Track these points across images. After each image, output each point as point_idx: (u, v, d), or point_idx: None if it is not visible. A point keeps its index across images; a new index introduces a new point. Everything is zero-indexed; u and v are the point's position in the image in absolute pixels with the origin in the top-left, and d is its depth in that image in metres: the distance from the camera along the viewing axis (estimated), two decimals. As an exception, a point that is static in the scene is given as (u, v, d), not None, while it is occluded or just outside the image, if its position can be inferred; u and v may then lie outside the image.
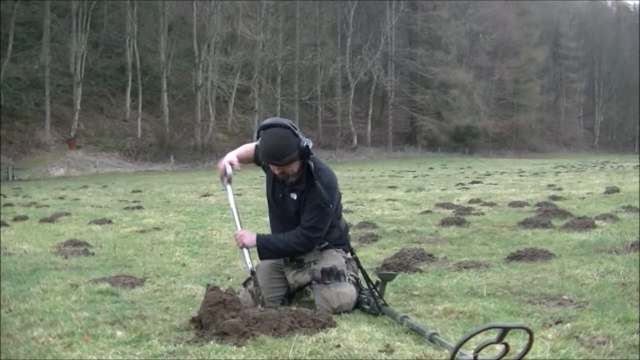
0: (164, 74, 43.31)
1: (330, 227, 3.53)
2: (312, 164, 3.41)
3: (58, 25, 40.78)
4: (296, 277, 3.51)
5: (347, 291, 3.38)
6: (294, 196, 3.48)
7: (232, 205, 3.58)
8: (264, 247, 3.48)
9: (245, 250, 3.47)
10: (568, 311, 3.22)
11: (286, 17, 50.96)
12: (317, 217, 3.42)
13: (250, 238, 3.47)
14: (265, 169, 3.62)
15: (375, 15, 58.89)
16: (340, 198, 3.67)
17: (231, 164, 3.60)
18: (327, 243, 3.55)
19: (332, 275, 3.41)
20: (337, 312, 3.31)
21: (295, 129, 3.31)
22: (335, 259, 3.51)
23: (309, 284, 3.53)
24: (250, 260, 3.42)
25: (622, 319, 2.99)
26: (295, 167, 3.37)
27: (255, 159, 3.71)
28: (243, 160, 3.70)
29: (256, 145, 3.61)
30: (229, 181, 3.56)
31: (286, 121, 3.34)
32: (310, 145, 3.33)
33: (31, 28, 40.11)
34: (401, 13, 56.97)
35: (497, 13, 64.38)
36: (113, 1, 44.02)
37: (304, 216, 3.46)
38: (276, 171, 3.40)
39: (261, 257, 3.56)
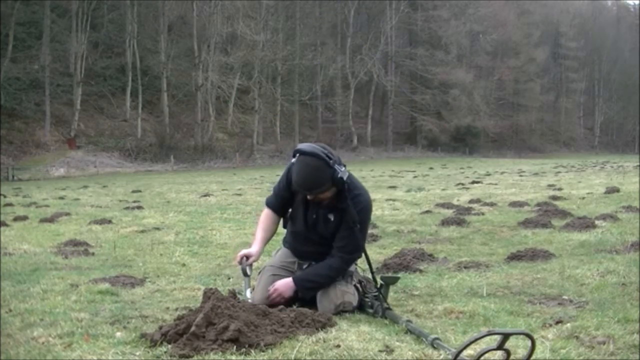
0: (164, 74, 43.31)
1: None
2: (347, 186, 3.33)
3: (58, 25, 40.77)
4: None
5: (351, 291, 3.40)
6: (332, 217, 3.43)
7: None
8: (306, 289, 3.41)
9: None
10: (568, 311, 3.22)
11: (286, 17, 50.91)
12: (354, 237, 3.39)
13: (287, 289, 3.39)
14: (295, 195, 3.55)
15: (375, 15, 58.89)
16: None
17: (247, 258, 3.53)
18: None
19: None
20: (338, 310, 3.31)
21: (330, 158, 3.23)
22: None
23: None
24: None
25: (622, 319, 2.99)
26: (329, 193, 3.33)
27: (284, 221, 3.68)
28: (269, 237, 3.67)
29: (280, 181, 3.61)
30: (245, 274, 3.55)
31: (322, 151, 3.24)
32: (346, 176, 3.25)
33: (31, 28, 40.11)
34: (401, 13, 56.93)
35: (497, 13, 64.30)
36: (113, 1, 44.03)
37: (340, 238, 3.42)
38: (309, 197, 3.39)
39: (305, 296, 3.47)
